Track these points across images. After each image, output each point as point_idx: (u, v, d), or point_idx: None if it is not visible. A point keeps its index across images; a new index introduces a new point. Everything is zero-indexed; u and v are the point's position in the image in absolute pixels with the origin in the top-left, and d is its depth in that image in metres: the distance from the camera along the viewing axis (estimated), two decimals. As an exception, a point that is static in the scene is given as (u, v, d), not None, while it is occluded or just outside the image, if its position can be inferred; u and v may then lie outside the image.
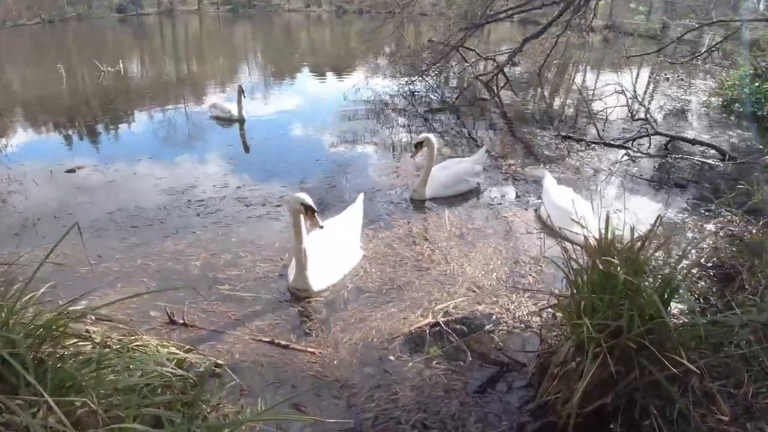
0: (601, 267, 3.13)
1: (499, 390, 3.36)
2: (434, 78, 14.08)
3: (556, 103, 13.07)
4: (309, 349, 3.59)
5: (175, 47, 24.17)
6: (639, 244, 3.18)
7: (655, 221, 3.23)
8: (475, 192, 6.51)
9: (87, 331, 3.06)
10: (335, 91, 12.62)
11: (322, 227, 4.01)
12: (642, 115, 9.65)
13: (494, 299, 4.29)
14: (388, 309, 4.08)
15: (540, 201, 6.05)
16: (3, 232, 5.24)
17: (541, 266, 4.79)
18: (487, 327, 3.95)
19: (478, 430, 3.05)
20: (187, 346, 3.38)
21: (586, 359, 2.93)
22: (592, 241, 3.38)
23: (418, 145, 6.02)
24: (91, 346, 2.89)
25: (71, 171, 6.97)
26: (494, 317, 4.07)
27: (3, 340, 2.51)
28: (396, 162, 7.60)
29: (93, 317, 3.32)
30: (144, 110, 10.72)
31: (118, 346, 2.92)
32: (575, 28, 14.81)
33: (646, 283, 3.07)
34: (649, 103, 11.41)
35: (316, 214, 3.93)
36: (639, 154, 8.13)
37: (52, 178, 6.74)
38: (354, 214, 5.05)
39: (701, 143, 8.65)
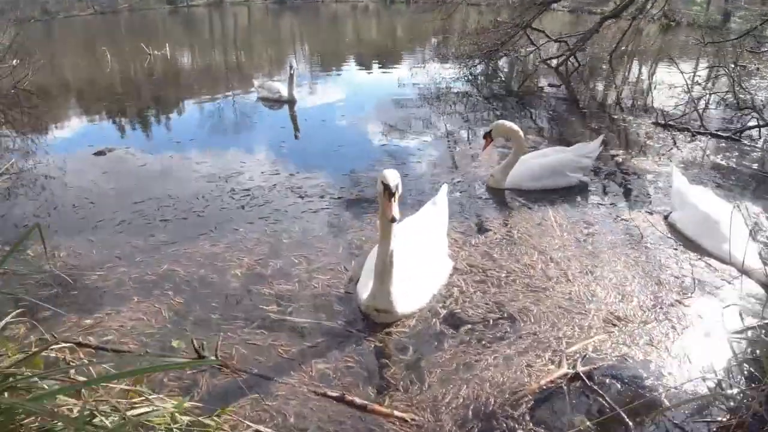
0: None
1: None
2: (496, 63, 12.75)
3: (639, 90, 11.51)
4: (398, 414, 2.42)
5: (224, 36, 23.47)
6: None
7: None
8: (577, 187, 5.20)
9: (68, 376, 1.99)
10: (387, 79, 11.39)
11: (394, 220, 2.77)
12: (747, 102, 8.12)
13: (647, 339, 3.02)
14: (501, 350, 2.86)
15: (669, 203, 4.73)
16: (10, 225, 4.32)
17: (692, 292, 3.49)
18: (648, 382, 2.70)
19: None
20: (218, 409, 2.26)
21: None
22: None
23: (487, 137, 4.90)
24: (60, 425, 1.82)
25: (100, 153, 6.07)
26: (653, 368, 2.81)
27: None
28: (471, 149, 6.35)
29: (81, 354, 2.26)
30: (188, 94, 9.85)
31: (111, 419, 1.84)
32: (647, 14, 13.65)
33: None
34: (738, 91, 9.74)
35: (393, 198, 2.78)
36: (754, 148, 6.66)
37: (78, 162, 5.85)
38: (437, 211, 3.88)
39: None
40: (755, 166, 6.08)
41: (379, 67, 12.98)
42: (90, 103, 9.23)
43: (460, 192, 5.05)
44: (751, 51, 15.08)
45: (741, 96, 8.52)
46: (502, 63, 13.22)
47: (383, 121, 7.63)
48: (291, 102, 8.30)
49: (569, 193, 5.06)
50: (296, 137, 7.01)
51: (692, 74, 10.89)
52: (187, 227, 4.21)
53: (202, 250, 3.85)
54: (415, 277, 3.23)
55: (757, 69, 14.09)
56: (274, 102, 8.48)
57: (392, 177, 2.81)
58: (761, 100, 9.53)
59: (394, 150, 6.29)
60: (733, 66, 9.77)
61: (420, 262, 3.33)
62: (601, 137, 5.37)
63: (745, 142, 6.89)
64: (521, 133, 4.91)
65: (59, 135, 7.24)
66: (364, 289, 3.17)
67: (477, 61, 12.44)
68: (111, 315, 3.12)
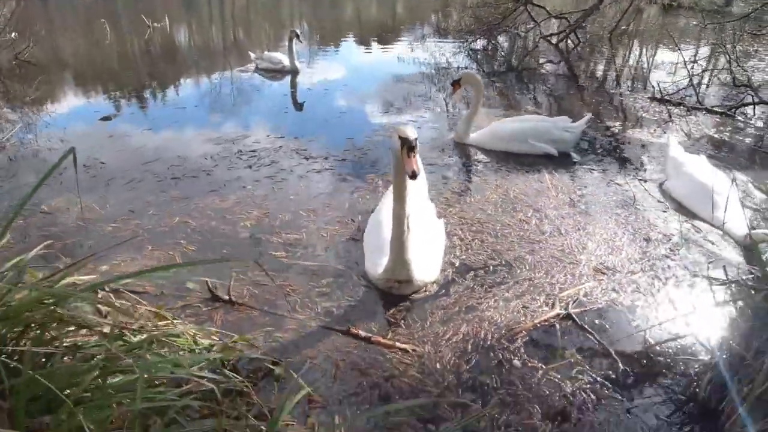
0: None
1: (663, 412, 2.32)
2: (497, 39, 12.76)
3: (637, 67, 11.60)
4: (400, 345, 2.61)
5: (222, 12, 23.29)
6: None
7: None
8: (579, 155, 5.34)
9: (98, 310, 2.16)
10: (387, 55, 11.37)
11: (415, 175, 2.61)
12: (743, 80, 8.23)
13: (634, 286, 3.21)
14: (500, 293, 3.05)
15: (660, 169, 4.89)
16: (22, 184, 4.44)
17: (679, 249, 3.68)
18: (635, 323, 2.89)
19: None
20: (235, 336, 2.44)
21: None
22: None
23: (456, 84, 5.19)
24: (95, 340, 1.99)
25: (106, 119, 6.19)
26: (639, 311, 3.00)
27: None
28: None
29: (107, 289, 2.43)
30: (189, 65, 9.91)
31: (138, 338, 2.01)
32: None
33: None
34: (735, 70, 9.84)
35: (413, 153, 2.65)
36: (748, 124, 6.81)
37: (84, 127, 5.96)
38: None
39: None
40: (748, 140, 6.25)
41: (379, 44, 12.97)
42: (91, 74, 9.27)
43: (456, 156, 5.21)
44: (751, 33, 15.19)
45: (737, 75, 8.63)
46: (503, 39, 13.24)
47: (383, 92, 7.73)
48: (294, 72, 8.31)
49: (565, 159, 5.21)
50: (299, 105, 7.11)
51: (692, 54, 10.98)
52: (197, 184, 4.35)
53: (213, 205, 4.00)
54: (424, 243, 3.16)
55: (756, 51, 14.19)
56: (276, 72, 8.48)
57: (411, 131, 2.70)
58: (758, 80, 9.67)
59: (394, 118, 6.41)
60: (730, 46, 9.83)
61: (423, 227, 3.27)
62: (588, 115, 5.45)
63: (740, 118, 7.04)
64: (482, 86, 5.20)
65: (63, 103, 7.30)
66: (376, 266, 3.07)
67: (477, 36, 12.45)
68: (126, 261, 3.28)
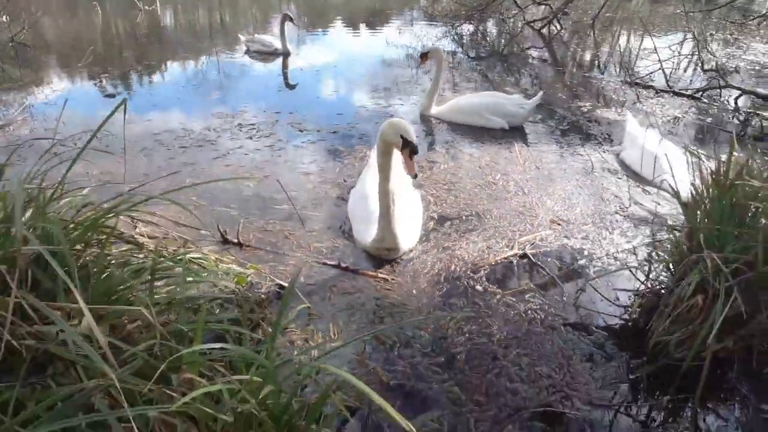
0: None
1: (602, 330, 2.88)
2: (482, 24, 13.22)
3: (615, 53, 12.14)
4: (381, 275, 3.15)
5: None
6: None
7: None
8: (542, 128, 5.89)
9: (139, 235, 2.66)
10: (375, 39, 11.74)
11: (416, 176, 3.03)
12: (712, 66, 8.81)
13: (584, 234, 3.77)
14: (472, 238, 3.61)
15: (621, 144, 5.45)
16: (37, 151, 4.87)
17: (627, 207, 4.24)
18: (581, 262, 3.45)
19: (586, 370, 2.58)
20: (249, 264, 2.96)
21: (717, 298, 2.46)
22: (706, 170, 2.95)
23: (424, 56, 5.77)
24: (143, 255, 2.49)
25: (110, 96, 6.60)
26: (586, 253, 3.56)
27: (38, 233, 2.11)
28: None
29: (142, 225, 2.93)
30: (181, 48, 10.19)
31: (172, 257, 2.52)
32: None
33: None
34: (707, 57, 10.42)
35: (414, 155, 2.91)
36: (711, 106, 7.39)
37: (90, 103, 6.37)
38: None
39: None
40: (710, 120, 6.81)
41: (368, 28, 13.36)
42: (88, 55, 9.57)
43: (434, 130, 5.74)
44: (732, 22, 15.81)
45: (705, 61, 9.19)
46: (489, 25, 13.69)
47: (371, 74, 8.16)
48: (286, 54, 8.66)
49: (535, 133, 5.76)
50: (293, 85, 7.56)
51: (671, 41, 11.47)
52: (203, 152, 4.83)
53: (218, 169, 4.50)
54: (406, 213, 3.48)
55: (736, 39, 14.78)
56: (268, 55, 8.79)
57: (410, 129, 2.88)
58: (731, 66, 10.27)
59: (381, 96, 6.90)
60: (699, 33, 10.39)
61: (404, 200, 3.60)
62: (540, 93, 5.91)
63: (705, 100, 7.59)
64: (445, 62, 5.79)
65: (65, 83, 7.62)
66: (365, 234, 3.38)
67: (463, 21, 12.89)
68: (145, 215, 3.75)
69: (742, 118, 6.99)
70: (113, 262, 2.36)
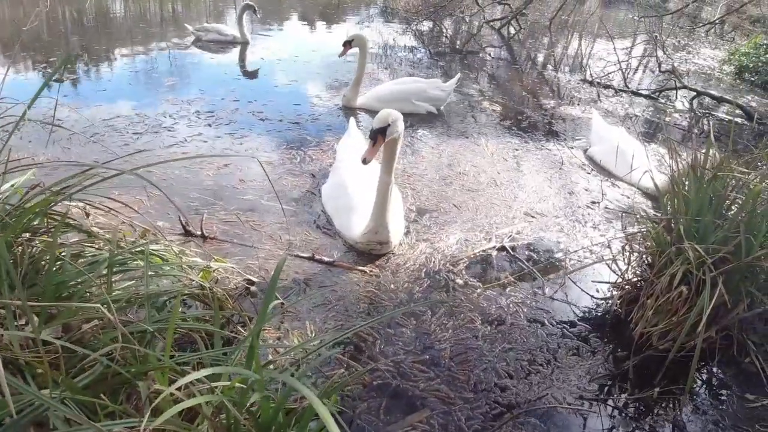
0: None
1: (585, 322, 2.82)
2: (442, 22, 13.20)
3: (573, 53, 12.40)
4: (359, 267, 2.97)
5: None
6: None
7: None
8: (510, 124, 5.86)
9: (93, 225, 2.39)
10: (333, 34, 11.46)
11: (365, 163, 2.81)
12: (668, 68, 9.13)
13: (559, 228, 3.73)
14: (451, 230, 3.51)
15: (586, 140, 5.49)
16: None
17: (599, 201, 4.24)
18: (558, 255, 3.39)
19: (573, 364, 2.50)
20: (215, 257, 2.73)
21: (700, 288, 2.45)
22: (684, 163, 2.99)
23: (347, 44, 5.55)
24: (97, 246, 2.23)
25: (58, 81, 6.08)
26: (562, 246, 3.51)
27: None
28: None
29: (96, 213, 2.64)
30: (133, 33, 9.66)
31: (131, 249, 2.26)
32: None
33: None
34: (663, 58, 10.81)
35: (375, 144, 2.80)
36: (668, 105, 7.65)
37: (33, 89, 5.87)
38: (357, 142, 4.11)
39: (729, 102, 8.04)
40: (667, 119, 7.02)
41: (324, 23, 13.08)
42: (35, 42, 8.91)
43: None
44: (680, 28, 16.57)
45: (663, 63, 9.51)
46: (449, 23, 13.69)
47: (330, 66, 7.84)
48: (244, 44, 8.33)
49: (500, 128, 5.72)
50: (251, 73, 7.22)
51: (626, 44, 11.85)
52: (159, 139, 4.49)
53: (175, 156, 4.18)
54: (392, 207, 3.24)
55: (686, 45, 15.45)
56: (224, 44, 8.37)
57: (379, 121, 2.80)
58: (683, 69, 10.66)
59: (342, 89, 6.66)
60: (657, 37, 10.76)
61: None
62: (458, 75, 6.01)
63: (662, 101, 7.85)
64: (368, 50, 5.63)
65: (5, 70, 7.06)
66: (352, 227, 3.21)
67: (422, 18, 12.83)
68: (95, 203, 3.43)
69: (698, 116, 7.25)
70: (63, 254, 2.09)
